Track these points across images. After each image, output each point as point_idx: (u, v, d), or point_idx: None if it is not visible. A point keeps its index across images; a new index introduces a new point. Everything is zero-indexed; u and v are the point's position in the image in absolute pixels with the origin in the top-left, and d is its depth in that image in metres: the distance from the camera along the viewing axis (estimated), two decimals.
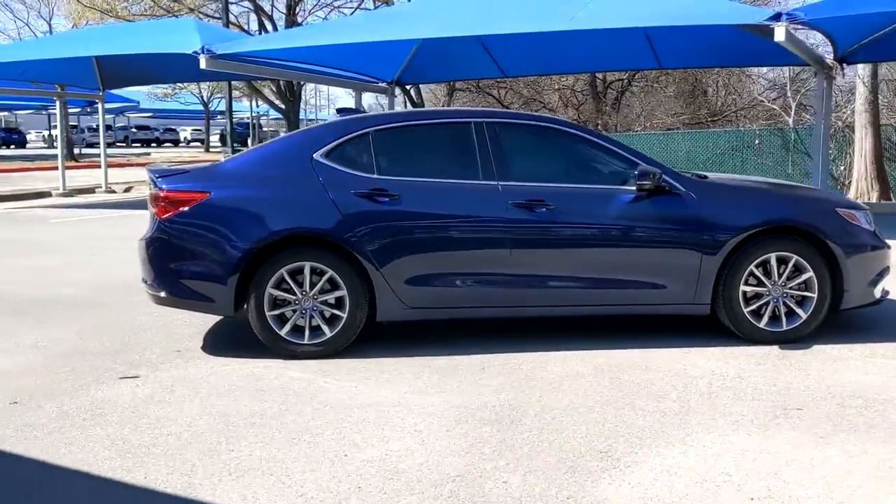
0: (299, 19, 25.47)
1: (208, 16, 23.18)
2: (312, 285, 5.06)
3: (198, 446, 3.71)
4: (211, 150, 51.28)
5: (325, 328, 5.08)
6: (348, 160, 5.21)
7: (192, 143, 62.98)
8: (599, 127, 22.86)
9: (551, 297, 5.22)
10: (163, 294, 5.20)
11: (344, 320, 5.07)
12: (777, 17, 9.31)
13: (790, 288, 5.28)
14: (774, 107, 19.90)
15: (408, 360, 5.04)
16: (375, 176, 5.16)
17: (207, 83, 45.51)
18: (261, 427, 3.94)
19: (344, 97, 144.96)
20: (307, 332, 5.08)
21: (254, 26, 27.21)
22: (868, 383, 4.54)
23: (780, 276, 5.26)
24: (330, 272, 5.05)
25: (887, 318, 5.99)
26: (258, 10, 24.36)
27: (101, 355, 5.22)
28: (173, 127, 63.77)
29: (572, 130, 5.54)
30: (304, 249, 5.08)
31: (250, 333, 5.22)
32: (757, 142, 18.06)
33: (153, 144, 59.61)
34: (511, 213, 5.12)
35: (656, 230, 5.21)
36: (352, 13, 25.63)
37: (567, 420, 3.99)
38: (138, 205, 17.19)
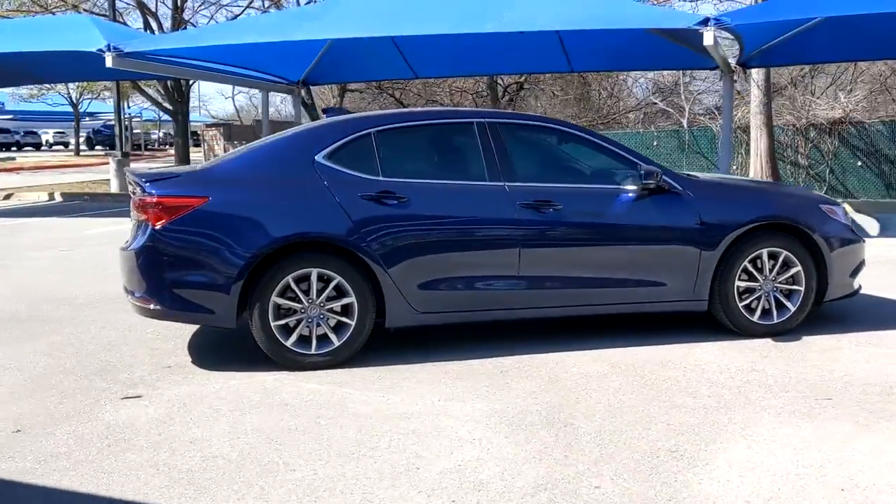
0: (186, 17, 24.50)
1: (91, 12, 21.95)
2: (319, 292, 4.84)
3: (253, 468, 3.46)
4: (82, 153, 48.55)
5: (332, 337, 4.87)
6: (352, 162, 5.01)
7: (54, 147, 59.46)
8: None
9: (560, 297, 5.19)
10: (153, 306, 4.84)
11: (352, 328, 4.88)
12: (705, 22, 9.67)
13: (780, 282, 5.47)
14: (670, 109, 20.71)
15: (419, 367, 4.89)
16: (382, 178, 4.98)
17: (76, 84, 43.15)
18: (308, 443, 3.72)
19: (216, 97, 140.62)
20: (314, 342, 4.86)
21: (136, 24, 26.04)
22: (875, 371, 4.74)
23: (770, 270, 5.43)
24: (338, 278, 4.84)
25: (854, 309, 6.27)
26: (142, 6, 23.25)
27: (86, 375, 4.82)
28: (34, 130, 60.01)
29: (573, 131, 5.55)
30: (310, 255, 4.85)
31: (237, 345, 4.95)
32: (655, 143, 18.74)
33: (13, 148, 55.91)
34: (520, 213, 5.06)
35: (659, 229, 5.28)
36: (241, 12, 24.88)
37: (618, 421, 3.97)
38: (26, 212, 16.10)
